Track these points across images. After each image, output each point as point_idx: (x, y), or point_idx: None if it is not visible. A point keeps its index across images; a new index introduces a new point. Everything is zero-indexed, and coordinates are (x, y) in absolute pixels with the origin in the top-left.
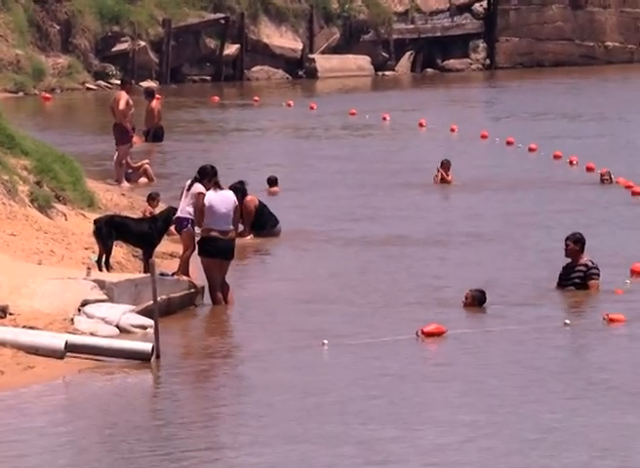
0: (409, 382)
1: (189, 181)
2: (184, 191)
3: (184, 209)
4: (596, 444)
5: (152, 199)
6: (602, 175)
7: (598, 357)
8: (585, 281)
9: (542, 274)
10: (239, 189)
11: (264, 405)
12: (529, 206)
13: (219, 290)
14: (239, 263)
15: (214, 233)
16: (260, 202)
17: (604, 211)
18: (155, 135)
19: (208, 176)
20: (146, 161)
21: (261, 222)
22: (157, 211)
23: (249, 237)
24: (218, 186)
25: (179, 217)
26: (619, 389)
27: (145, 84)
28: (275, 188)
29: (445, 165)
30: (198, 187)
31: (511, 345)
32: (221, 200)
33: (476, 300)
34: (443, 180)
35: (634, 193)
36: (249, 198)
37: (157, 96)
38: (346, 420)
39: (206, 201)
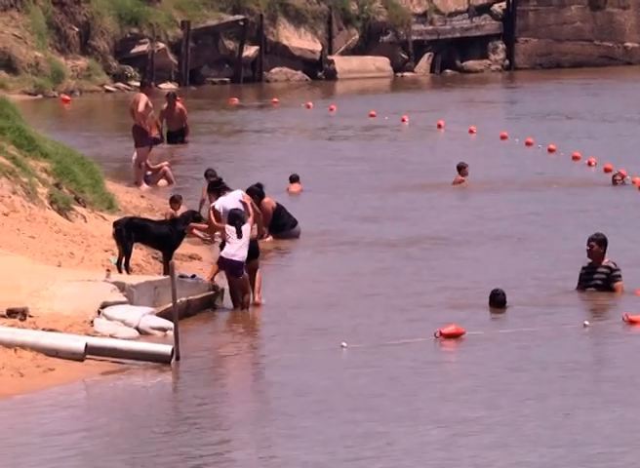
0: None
1: (216, 204)
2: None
3: (239, 254)
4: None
5: (175, 202)
6: (614, 176)
7: (616, 357)
8: (609, 283)
9: (561, 275)
10: (257, 192)
11: (286, 406)
12: (546, 206)
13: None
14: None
15: None
16: (277, 203)
17: (616, 211)
18: (181, 135)
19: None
20: (166, 163)
21: (280, 224)
22: (179, 213)
23: (268, 239)
24: (227, 189)
25: (235, 261)
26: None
27: (164, 86)
28: (296, 185)
29: (462, 169)
30: (240, 195)
31: (531, 347)
32: (232, 200)
33: (496, 302)
34: (459, 182)
35: None
36: (266, 200)
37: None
38: (371, 418)
39: (218, 205)
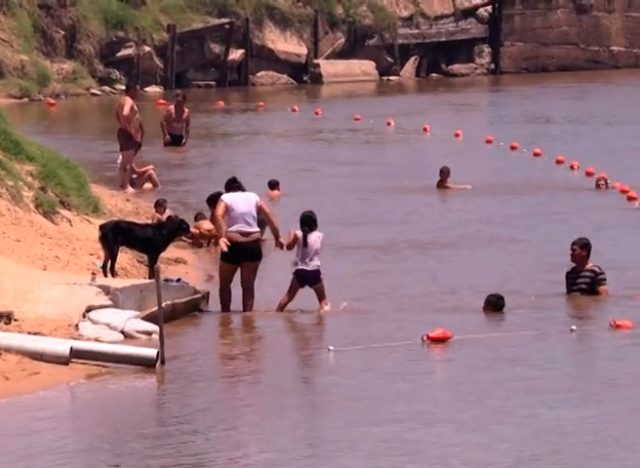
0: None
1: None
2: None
3: (312, 263)
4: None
5: (159, 205)
6: (597, 180)
7: (602, 362)
8: (594, 287)
9: (547, 278)
10: (239, 186)
11: (274, 408)
12: (529, 210)
13: (228, 295)
14: None
15: (234, 234)
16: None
17: (598, 215)
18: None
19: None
20: (151, 166)
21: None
22: (165, 217)
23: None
24: (240, 189)
25: (309, 272)
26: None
27: (150, 89)
28: (276, 192)
29: (444, 173)
30: (255, 199)
31: (517, 350)
32: (243, 202)
33: (493, 306)
34: (442, 187)
35: (630, 198)
36: None
37: (161, 101)
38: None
39: (228, 200)
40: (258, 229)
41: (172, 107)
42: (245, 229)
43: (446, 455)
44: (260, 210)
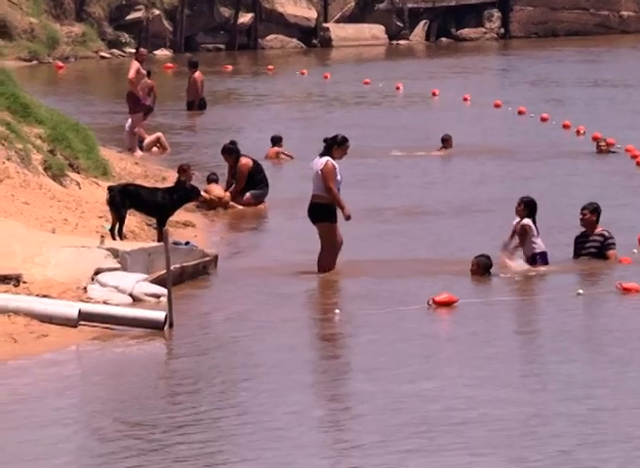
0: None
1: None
2: None
3: (540, 245)
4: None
5: (183, 171)
6: (598, 143)
7: (609, 324)
8: (603, 251)
9: (555, 242)
10: (233, 150)
11: (278, 374)
12: (535, 175)
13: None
14: (239, 232)
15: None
16: (253, 161)
17: (605, 180)
18: (200, 105)
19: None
20: (159, 134)
21: (257, 180)
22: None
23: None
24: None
25: (543, 253)
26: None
27: (159, 53)
28: (278, 148)
29: (446, 141)
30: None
31: (525, 314)
32: (314, 164)
33: (482, 267)
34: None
35: (639, 163)
36: (243, 162)
37: (169, 65)
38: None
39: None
40: (317, 193)
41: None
42: (313, 192)
43: None
44: (321, 173)
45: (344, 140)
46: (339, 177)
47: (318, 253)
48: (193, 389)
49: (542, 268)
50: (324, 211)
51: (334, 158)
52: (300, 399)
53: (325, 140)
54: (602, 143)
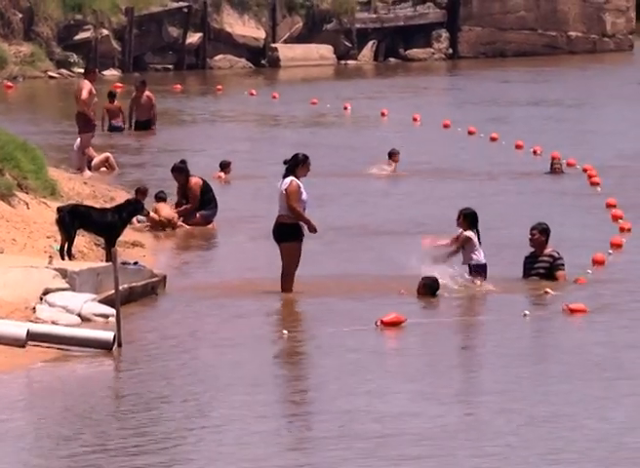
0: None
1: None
2: None
3: (480, 257)
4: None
5: (142, 193)
6: (553, 164)
7: (554, 344)
8: (552, 271)
9: (504, 263)
10: (184, 169)
11: (230, 393)
12: (486, 195)
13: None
14: (188, 252)
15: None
16: (203, 180)
17: (560, 200)
18: (146, 124)
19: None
20: (107, 154)
21: (207, 199)
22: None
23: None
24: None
25: (483, 265)
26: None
27: (108, 73)
28: (225, 173)
29: (393, 155)
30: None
31: (469, 334)
32: (279, 185)
33: (428, 289)
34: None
35: (592, 183)
36: (194, 181)
37: (118, 84)
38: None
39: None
40: (281, 213)
41: (133, 94)
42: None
43: None
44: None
45: (305, 158)
46: (304, 197)
47: (280, 273)
48: (141, 409)
49: (490, 286)
50: (289, 231)
51: (298, 177)
52: (245, 414)
53: (285, 162)
54: (556, 164)
